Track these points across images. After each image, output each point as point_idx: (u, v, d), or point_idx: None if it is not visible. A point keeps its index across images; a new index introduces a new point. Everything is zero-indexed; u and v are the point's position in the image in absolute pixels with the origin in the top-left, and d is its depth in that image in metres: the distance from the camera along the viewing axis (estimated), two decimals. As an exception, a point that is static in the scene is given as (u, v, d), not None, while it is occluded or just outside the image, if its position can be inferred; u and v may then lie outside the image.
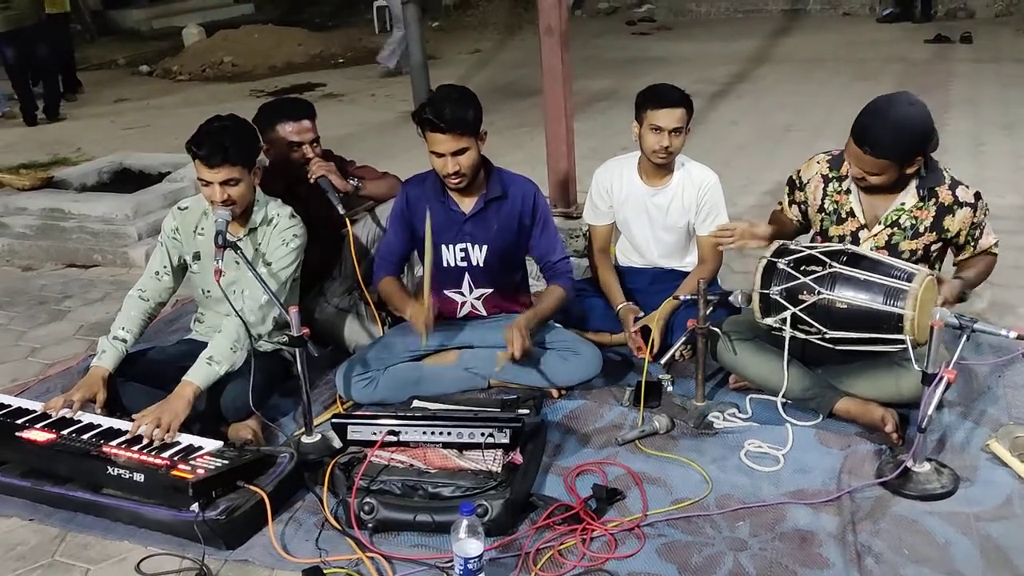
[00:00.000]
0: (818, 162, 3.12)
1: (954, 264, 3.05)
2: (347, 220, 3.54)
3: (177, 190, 5.36)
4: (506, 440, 2.59)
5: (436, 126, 3.00)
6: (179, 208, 3.25)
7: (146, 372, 3.13)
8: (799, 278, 2.83)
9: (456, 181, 3.11)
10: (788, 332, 2.87)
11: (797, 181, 3.18)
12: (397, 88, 9.43)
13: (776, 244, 2.98)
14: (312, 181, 3.52)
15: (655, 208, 3.49)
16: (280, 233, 3.14)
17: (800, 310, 2.83)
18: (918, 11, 11.82)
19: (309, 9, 16.08)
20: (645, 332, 3.29)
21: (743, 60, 9.97)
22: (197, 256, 3.20)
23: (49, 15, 9.23)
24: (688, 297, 3.15)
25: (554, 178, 4.70)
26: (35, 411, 2.96)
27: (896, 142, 2.77)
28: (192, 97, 10.16)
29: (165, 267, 3.21)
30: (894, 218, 2.92)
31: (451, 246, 3.28)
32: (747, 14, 13.44)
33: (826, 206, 3.07)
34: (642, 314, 3.39)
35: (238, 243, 3.03)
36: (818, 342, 2.87)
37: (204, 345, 3.22)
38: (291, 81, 10.56)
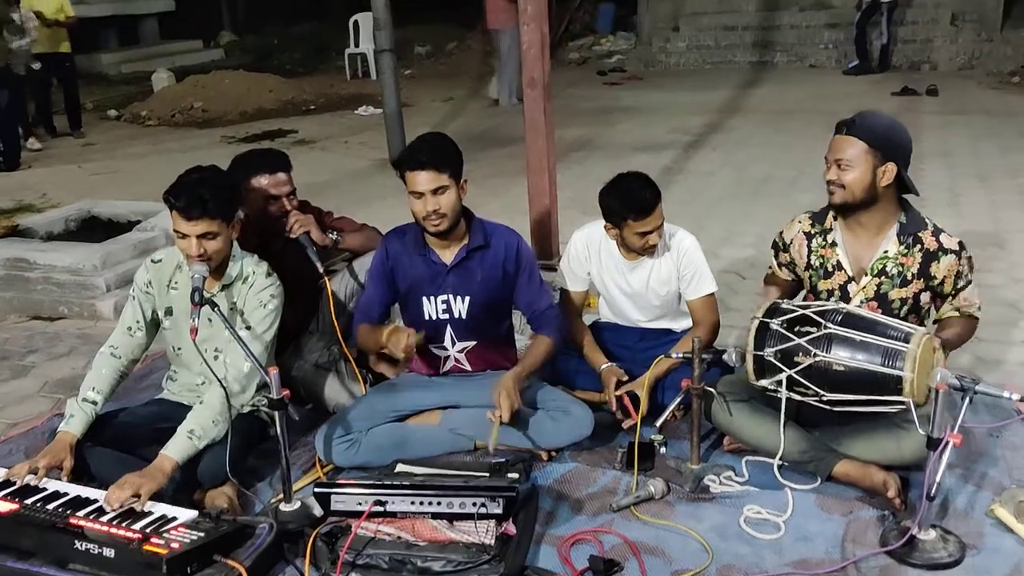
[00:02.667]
0: (799, 221, 3.11)
1: (934, 322, 3.01)
2: (326, 278, 3.44)
3: (147, 239, 5.22)
4: (499, 510, 2.48)
5: (414, 162, 2.96)
6: (152, 261, 3.12)
7: (116, 435, 2.98)
8: (793, 339, 2.76)
9: (436, 222, 3.02)
10: (784, 394, 2.81)
11: (780, 243, 3.15)
12: (370, 135, 9.39)
13: (767, 303, 2.93)
14: (293, 237, 3.42)
15: (636, 281, 3.43)
16: (257, 294, 3.02)
17: (796, 372, 2.76)
18: (875, 63, 12.07)
19: (280, 55, 16.09)
20: (631, 395, 3.21)
21: (715, 110, 10.06)
22: (169, 311, 3.07)
23: (44, 54, 9.42)
24: (681, 356, 3.07)
25: (536, 230, 4.64)
26: (-3, 479, 2.80)
27: (874, 127, 2.84)
28: (162, 143, 10.03)
29: (138, 322, 3.08)
30: (880, 267, 2.90)
31: (433, 298, 3.19)
32: (715, 65, 13.64)
33: (812, 262, 3.03)
34: (626, 377, 3.29)
35: (214, 300, 2.91)
36: (815, 404, 2.81)
37: (176, 406, 3.11)
38: (262, 127, 10.48)
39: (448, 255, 3.16)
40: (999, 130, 8.36)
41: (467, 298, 3.17)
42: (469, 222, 3.19)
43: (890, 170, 2.82)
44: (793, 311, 2.84)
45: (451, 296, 3.18)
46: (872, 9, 11.86)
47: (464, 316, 3.20)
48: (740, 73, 12.77)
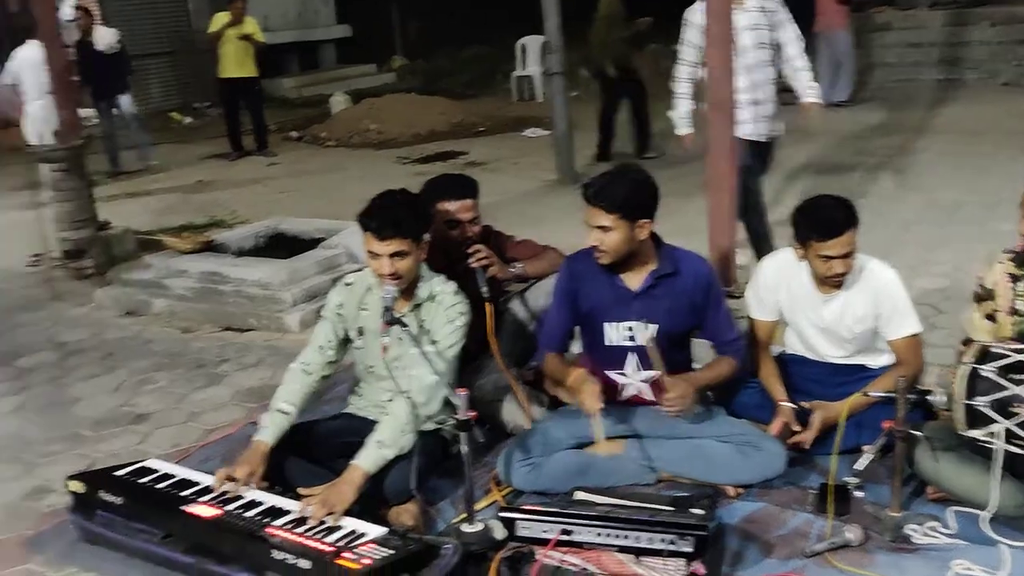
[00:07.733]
0: (1000, 262, 2.87)
1: None
2: (487, 304, 3.43)
3: (331, 256, 5.44)
4: (690, 549, 2.39)
5: (587, 197, 3.00)
6: (344, 283, 3.23)
7: (306, 444, 3.11)
8: (1009, 388, 2.55)
9: (597, 255, 3.04)
10: (1000, 446, 2.58)
11: (983, 292, 2.91)
12: (539, 157, 9.45)
13: (977, 347, 2.71)
14: (471, 266, 3.47)
15: (829, 315, 3.23)
16: (445, 311, 3.08)
17: (1015, 424, 2.54)
18: None
19: (448, 79, 16.47)
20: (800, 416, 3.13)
21: (901, 130, 9.56)
22: (361, 332, 3.17)
23: (232, 78, 10.28)
24: (881, 394, 2.88)
25: (715, 254, 4.48)
26: (198, 483, 2.95)
27: None
28: (339, 163, 10.46)
29: (330, 341, 3.18)
30: None
31: (616, 324, 3.13)
32: (899, 83, 12.96)
33: (1020, 308, 2.78)
34: (798, 427, 3.14)
35: (403, 320, 2.97)
36: (1037, 457, 2.57)
37: (362, 420, 3.19)
38: (434, 148, 10.75)
39: (634, 281, 3.11)
40: None
41: (654, 326, 3.09)
42: (658, 248, 3.13)
43: None
44: (1007, 356, 2.62)
45: (636, 323, 3.11)
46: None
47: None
48: (926, 91, 12.09)
